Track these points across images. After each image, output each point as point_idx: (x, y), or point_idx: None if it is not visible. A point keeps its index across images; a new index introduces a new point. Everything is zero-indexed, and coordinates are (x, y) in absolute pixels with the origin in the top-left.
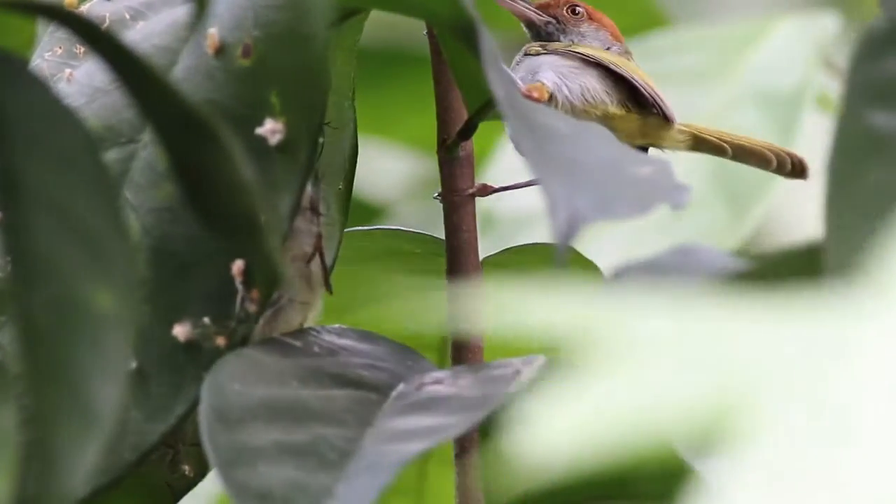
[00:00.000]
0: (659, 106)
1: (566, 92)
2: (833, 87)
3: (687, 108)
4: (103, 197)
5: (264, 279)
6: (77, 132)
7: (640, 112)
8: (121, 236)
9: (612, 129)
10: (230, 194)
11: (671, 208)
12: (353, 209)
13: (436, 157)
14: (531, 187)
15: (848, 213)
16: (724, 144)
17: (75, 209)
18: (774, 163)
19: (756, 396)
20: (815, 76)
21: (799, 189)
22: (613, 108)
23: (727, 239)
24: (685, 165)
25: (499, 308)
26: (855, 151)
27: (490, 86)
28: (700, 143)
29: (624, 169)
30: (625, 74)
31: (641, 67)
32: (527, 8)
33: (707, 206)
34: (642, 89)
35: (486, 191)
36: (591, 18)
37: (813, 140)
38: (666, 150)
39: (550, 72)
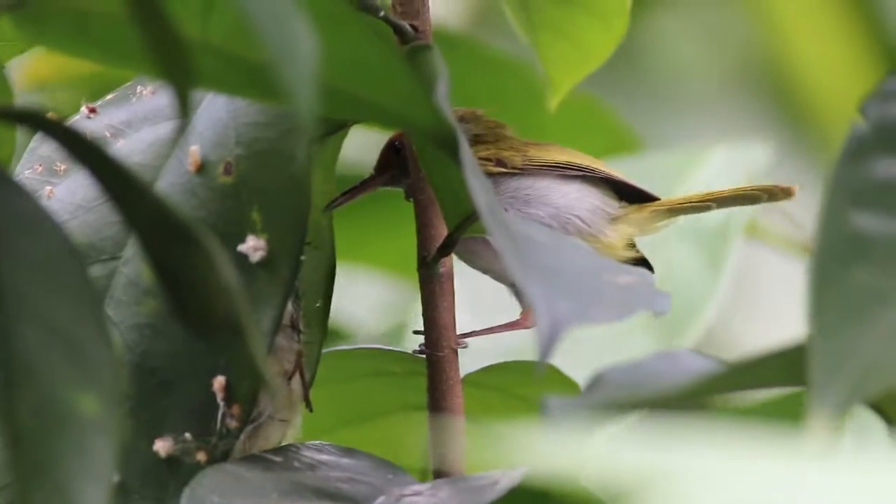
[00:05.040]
0: (645, 192)
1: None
2: (763, 216)
3: None
4: (87, 305)
5: (246, 394)
6: (61, 242)
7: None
8: (104, 344)
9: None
10: (214, 299)
11: (652, 314)
12: (330, 337)
13: (408, 281)
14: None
15: (832, 316)
16: (708, 203)
17: (58, 316)
18: (764, 196)
19: None
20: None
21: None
22: (617, 212)
23: None
24: None
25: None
26: (838, 253)
27: (471, 194)
28: (678, 213)
29: (603, 277)
30: (611, 175)
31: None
32: (376, 178)
33: (637, 338)
34: (637, 188)
35: (464, 342)
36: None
37: (744, 268)
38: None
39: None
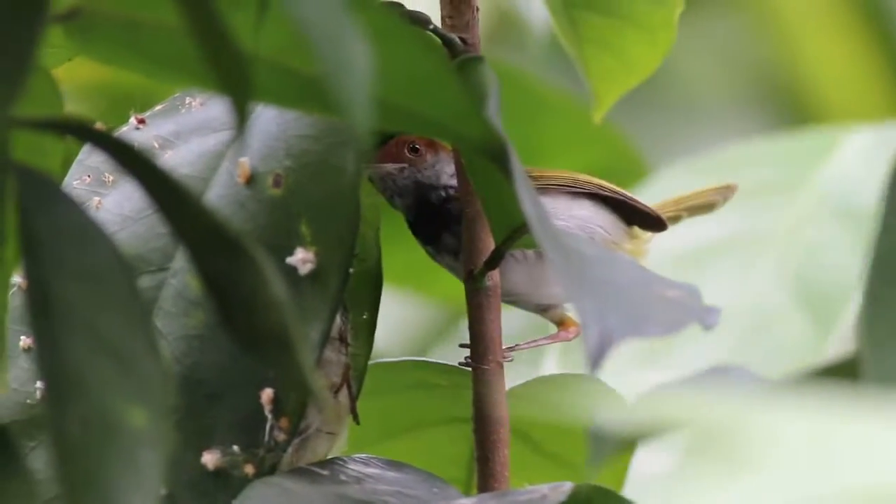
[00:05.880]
0: (655, 216)
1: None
2: None
3: (765, 221)
4: (135, 316)
5: (294, 406)
6: (108, 253)
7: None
8: (153, 355)
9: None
10: (263, 311)
11: (702, 329)
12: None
13: (413, 294)
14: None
15: (885, 330)
16: (679, 214)
17: (107, 328)
18: (722, 202)
19: None
20: None
21: None
22: (631, 235)
23: (811, 353)
24: (762, 285)
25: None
26: (892, 268)
27: (522, 206)
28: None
29: (653, 290)
30: (623, 197)
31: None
32: (383, 165)
33: (789, 321)
34: (643, 207)
35: (510, 356)
36: (431, 149)
37: None
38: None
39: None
